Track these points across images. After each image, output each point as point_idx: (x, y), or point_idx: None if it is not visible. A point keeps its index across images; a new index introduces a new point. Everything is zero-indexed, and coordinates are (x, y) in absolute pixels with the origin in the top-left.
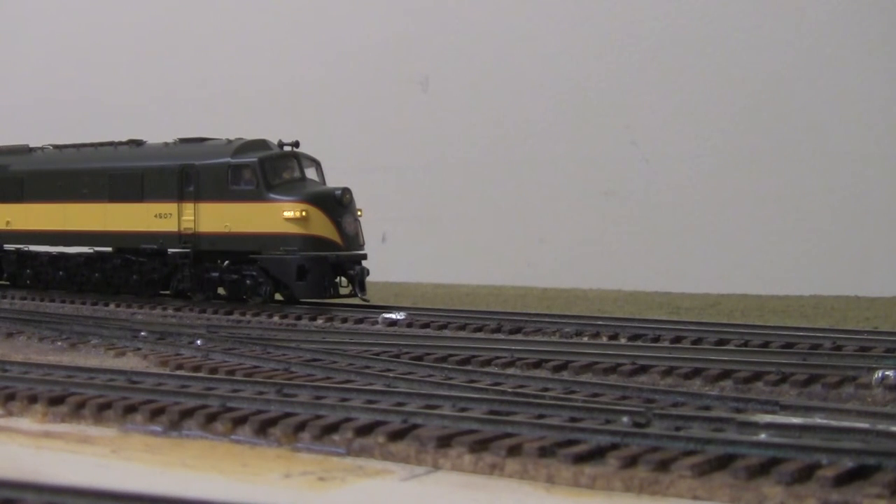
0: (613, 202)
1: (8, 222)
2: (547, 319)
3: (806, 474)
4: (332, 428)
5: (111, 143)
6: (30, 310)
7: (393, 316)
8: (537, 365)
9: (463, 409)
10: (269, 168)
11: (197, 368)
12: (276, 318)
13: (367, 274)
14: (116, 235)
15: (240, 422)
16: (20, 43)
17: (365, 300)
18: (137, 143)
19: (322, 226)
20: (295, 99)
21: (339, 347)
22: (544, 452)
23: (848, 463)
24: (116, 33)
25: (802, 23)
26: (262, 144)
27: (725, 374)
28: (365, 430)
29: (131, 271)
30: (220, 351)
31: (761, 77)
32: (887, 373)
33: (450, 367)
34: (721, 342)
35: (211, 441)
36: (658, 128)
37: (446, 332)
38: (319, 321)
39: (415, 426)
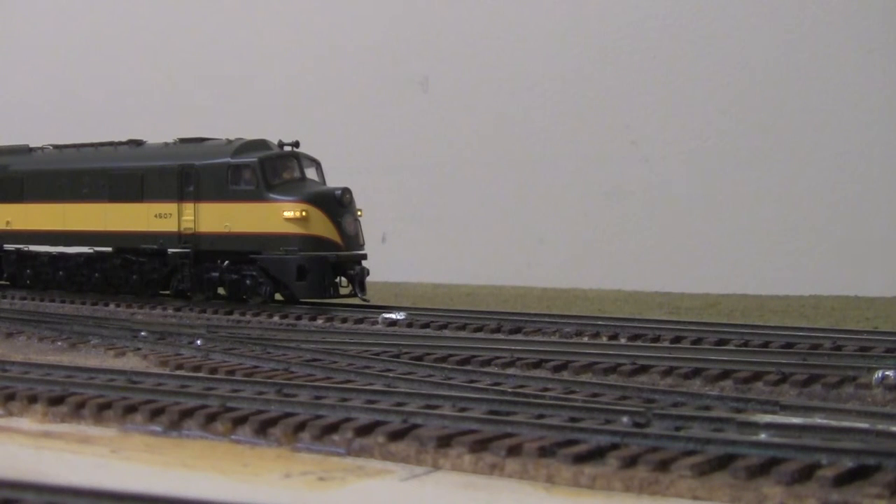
0: (613, 202)
1: (8, 222)
2: (547, 319)
3: (806, 474)
4: (332, 428)
5: (111, 143)
6: (30, 310)
7: (393, 316)
8: (537, 365)
9: (463, 409)
10: (269, 168)
11: (197, 368)
12: (276, 318)
13: (367, 274)
14: (116, 235)
15: (240, 422)
16: (20, 43)
17: (365, 300)
18: (137, 143)
19: (322, 226)
20: (295, 99)
21: (339, 347)
22: (544, 452)
23: (848, 463)
24: (116, 33)
25: (802, 22)
26: (262, 144)
27: (725, 374)
28: (365, 430)
29: (131, 271)
30: (220, 351)
31: (761, 77)
32: (887, 373)
33: (450, 367)
34: (721, 342)
35: (211, 441)
36: (658, 128)
37: (446, 332)
38: (319, 321)
39: (415, 426)
